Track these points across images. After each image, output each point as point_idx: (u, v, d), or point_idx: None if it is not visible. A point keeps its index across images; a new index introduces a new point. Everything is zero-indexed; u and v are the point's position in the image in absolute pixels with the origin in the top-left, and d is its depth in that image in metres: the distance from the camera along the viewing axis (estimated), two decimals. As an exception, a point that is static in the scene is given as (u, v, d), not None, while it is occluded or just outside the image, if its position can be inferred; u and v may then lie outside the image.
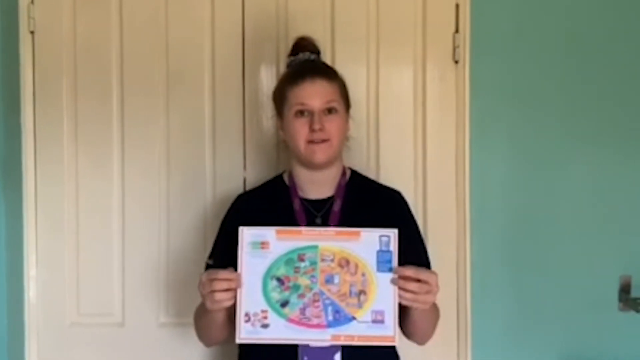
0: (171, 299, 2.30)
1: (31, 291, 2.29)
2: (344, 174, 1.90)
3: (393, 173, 2.23)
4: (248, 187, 2.21)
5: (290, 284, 1.68)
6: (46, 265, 2.30)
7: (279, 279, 1.69)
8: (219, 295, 1.63)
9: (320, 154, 1.77)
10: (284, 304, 1.68)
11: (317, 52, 1.91)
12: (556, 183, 2.25)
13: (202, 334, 1.92)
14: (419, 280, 1.63)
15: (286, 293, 1.68)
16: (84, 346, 2.30)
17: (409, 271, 1.64)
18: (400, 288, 1.64)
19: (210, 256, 1.92)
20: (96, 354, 2.30)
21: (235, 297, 1.66)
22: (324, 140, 1.77)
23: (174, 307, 2.30)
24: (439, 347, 2.19)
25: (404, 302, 1.65)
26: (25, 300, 2.28)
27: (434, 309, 1.82)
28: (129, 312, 2.30)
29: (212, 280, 1.63)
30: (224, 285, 1.63)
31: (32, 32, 2.28)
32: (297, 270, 1.69)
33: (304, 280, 1.68)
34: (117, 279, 2.30)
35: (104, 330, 2.30)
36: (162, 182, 2.30)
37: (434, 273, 1.67)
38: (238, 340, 1.67)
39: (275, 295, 1.68)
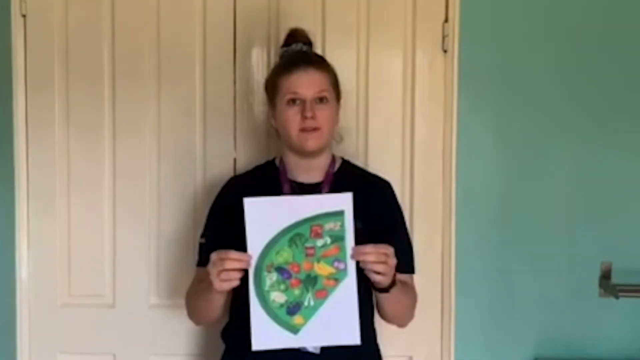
0: (162, 281, 2.33)
1: (23, 272, 2.31)
2: (333, 162, 1.92)
3: (381, 160, 2.26)
4: (238, 172, 2.23)
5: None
6: (38, 247, 2.33)
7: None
8: (229, 274, 1.60)
9: (312, 142, 1.80)
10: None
11: (310, 44, 1.93)
12: (540, 172, 2.27)
13: (196, 313, 1.92)
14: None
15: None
16: (75, 327, 2.33)
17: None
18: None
19: (202, 235, 1.95)
20: (87, 334, 2.33)
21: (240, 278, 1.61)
22: (315, 129, 1.79)
23: (165, 288, 2.32)
24: (423, 330, 2.25)
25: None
26: (17, 281, 2.31)
27: (407, 291, 1.86)
28: (119, 294, 2.32)
29: (223, 259, 1.61)
30: (235, 264, 1.60)
31: (24, 16, 2.28)
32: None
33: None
34: (108, 261, 2.33)
35: (95, 311, 2.33)
36: (152, 165, 2.32)
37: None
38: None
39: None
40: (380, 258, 1.62)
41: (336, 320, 1.50)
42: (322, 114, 1.80)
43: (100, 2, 2.29)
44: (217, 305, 1.78)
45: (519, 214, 2.29)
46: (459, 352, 2.29)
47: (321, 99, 1.81)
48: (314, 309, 1.41)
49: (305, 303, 1.42)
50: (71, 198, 2.33)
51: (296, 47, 1.90)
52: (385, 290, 1.70)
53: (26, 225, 2.32)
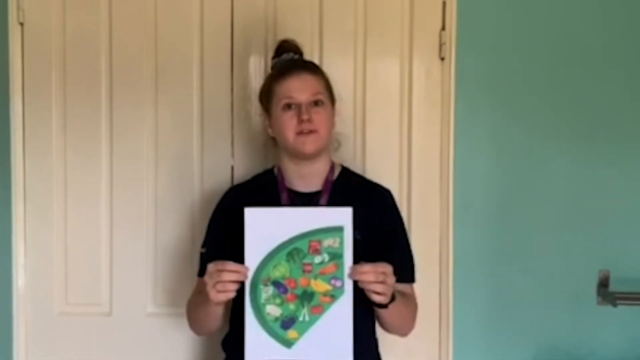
0: (159, 289, 2.32)
1: (20, 280, 2.31)
2: (332, 169, 1.92)
3: (378, 167, 2.26)
4: (235, 180, 2.24)
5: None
6: (35, 254, 2.32)
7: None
8: (225, 286, 1.60)
9: (310, 144, 1.80)
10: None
11: (300, 53, 1.95)
12: (538, 179, 2.28)
13: (197, 324, 1.92)
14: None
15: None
16: (72, 335, 2.32)
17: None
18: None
19: (203, 245, 1.95)
20: (84, 343, 2.32)
21: (237, 289, 1.61)
22: (312, 132, 1.79)
23: (162, 297, 2.32)
24: (422, 336, 2.24)
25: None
26: (13, 290, 2.30)
27: (407, 302, 1.86)
28: (116, 302, 2.32)
29: (220, 271, 1.61)
30: (232, 277, 1.60)
31: (21, 24, 2.29)
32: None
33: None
34: (105, 269, 2.32)
35: (91, 319, 2.32)
36: (150, 172, 2.32)
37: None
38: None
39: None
40: (378, 278, 1.60)
41: (330, 336, 1.49)
42: (319, 116, 1.81)
43: (97, 10, 2.29)
44: (216, 315, 1.77)
45: (517, 221, 2.29)
46: (457, 358, 2.28)
47: (316, 102, 1.82)
48: (309, 324, 1.40)
49: (300, 318, 1.41)
50: (68, 205, 2.32)
51: (287, 56, 1.92)
52: (384, 306, 1.69)
53: (23, 233, 2.32)
